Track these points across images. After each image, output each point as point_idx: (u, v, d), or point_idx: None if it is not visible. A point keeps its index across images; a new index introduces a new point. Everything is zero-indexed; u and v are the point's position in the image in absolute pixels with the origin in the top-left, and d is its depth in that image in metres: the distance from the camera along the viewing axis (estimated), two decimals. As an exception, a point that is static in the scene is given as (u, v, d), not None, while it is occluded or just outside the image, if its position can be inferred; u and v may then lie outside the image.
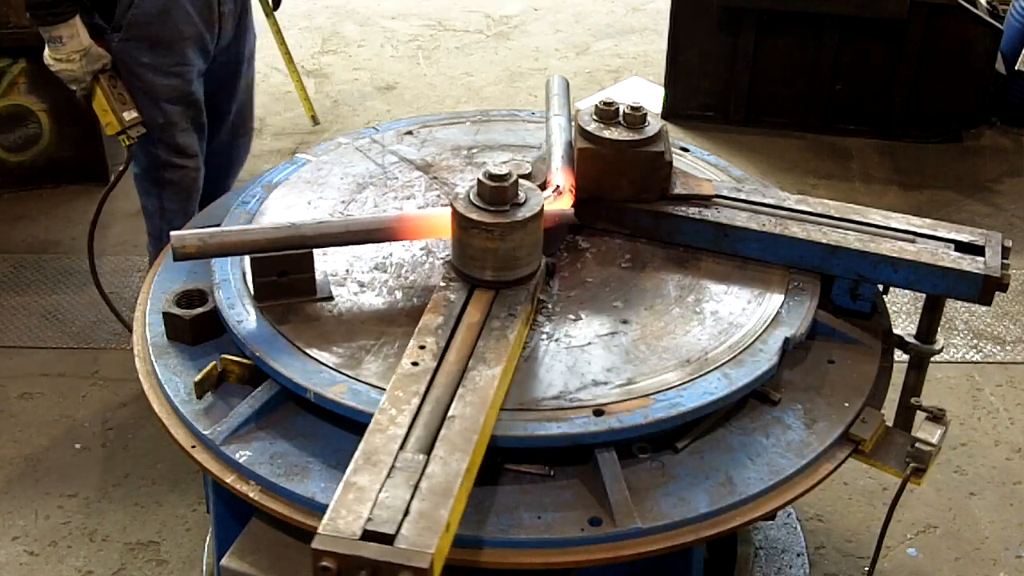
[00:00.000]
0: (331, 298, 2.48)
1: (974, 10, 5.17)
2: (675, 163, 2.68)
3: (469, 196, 2.30)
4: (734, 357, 2.31)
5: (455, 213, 2.30)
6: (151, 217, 3.74)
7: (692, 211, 2.62)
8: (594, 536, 2.05)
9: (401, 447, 1.95)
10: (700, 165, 2.96)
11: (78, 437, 3.67)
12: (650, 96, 5.81)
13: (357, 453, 1.93)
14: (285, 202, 2.82)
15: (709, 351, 2.32)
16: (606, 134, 2.59)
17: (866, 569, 3.23)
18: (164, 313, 2.46)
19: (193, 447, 2.26)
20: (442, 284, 2.37)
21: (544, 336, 2.37)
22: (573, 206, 2.60)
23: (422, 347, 2.20)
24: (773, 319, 2.42)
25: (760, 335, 2.37)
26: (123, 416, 3.74)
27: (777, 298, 2.48)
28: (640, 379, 2.24)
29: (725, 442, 2.25)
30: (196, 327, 2.44)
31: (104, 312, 4.08)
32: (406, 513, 1.81)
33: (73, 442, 3.65)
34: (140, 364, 2.45)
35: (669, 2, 5.47)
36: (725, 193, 2.69)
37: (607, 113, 2.62)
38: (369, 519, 1.79)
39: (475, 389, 2.10)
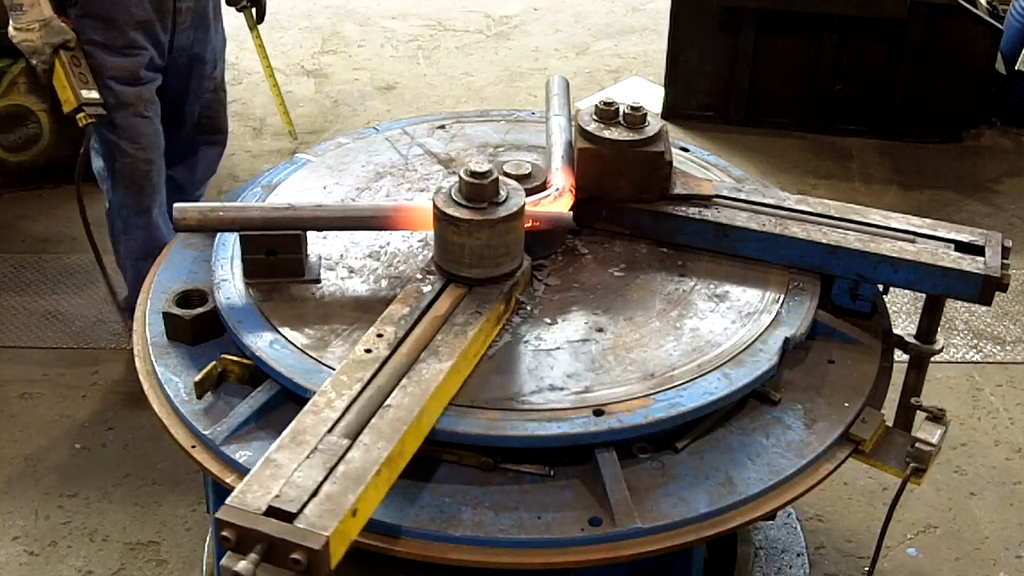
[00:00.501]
0: (318, 281, 2.51)
1: (974, 10, 5.17)
2: (675, 163, 2.68)
3: (451, 191, 2.33)
4: (703, 375, 2.26)
5: (434, 207, 2.33)
6: (108, 213, 3.73)
7: (692, 211, 2.62)
8: (594, 536, 2.05)
9: (330, 430, 1.98)
10: (700, 165, 2.96)
11: (78, 437, 3.67)
12: (650, 96, 5.81)
13: (286, 431, 1.98)
14: (304, 184, 2.87)
15: (677, 367, 2.28)
16: (606, 134, 2.60)
17: (866, 569, 3.23)
18: (164, 313, 2.46)
19: (193, 447, 2.26)
20: (419, 276, 2.40)
21: (514, 337, 2.37)
22: (573, 207, 2.60)
23: (380, 335, 2.23)
24: (773, 319, 2.42)
25: (751, 344, 2.37)
26: (123, 416, 3.74)
27: (766, 317, 2.42)
28: (598, 388, 2.22)
29: (725, 442, 2.25)
30: (196, 327, 2.44)
31: (104, 312, 4.09)
32: (315, 494, 1.83)
33: (73, 442, 3.65)
34: (140, 364, 2.45)
35: (669, 2, 5.47)
36: (725, 193, 2.69)
37: (607, 113, 2.62)
38: (277, 496, 1.82)
39: (419, 381, 2.12)
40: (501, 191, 2.33)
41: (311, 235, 2.54)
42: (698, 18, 5.42)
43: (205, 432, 2.24)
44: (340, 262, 2.58)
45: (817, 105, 5.47)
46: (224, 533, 1.78)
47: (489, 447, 2.15)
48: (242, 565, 1.73)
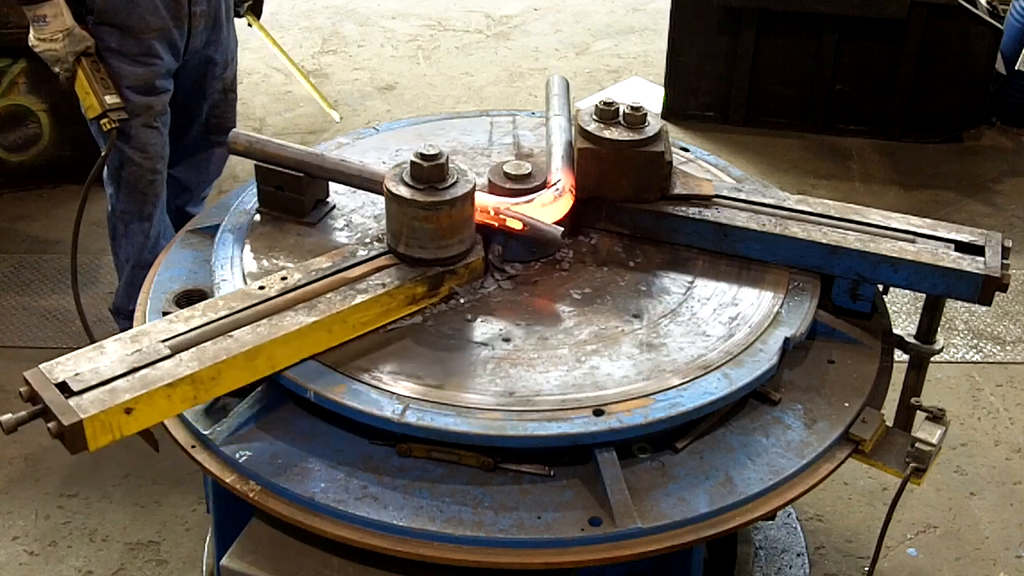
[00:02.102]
0: (313, 224, 2.67)
1: (974, 10, 5.16)
2: (675, 163, 2.68)
3: (403, 170, 2.42)
4: (604, 404, 2.16)
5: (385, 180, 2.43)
6: (109, 216, 3.74)
7: (692, 211, 2.62)
8: (594, 536, 2.05)
9: (166, 340, 2.15)
10: (700, 165, 2.96)
11: (78, 437, 3.66)
12: (650, 96, 5.81)
13: (136, 328, 2.20)
14: (384, 143, 2.97)
15: (542, 395, 2.21)
16: (606, 134, 2.60)
17: (866, 569, 3.23)
18: (164, 313, 2.46)
19: (193, 447, 2.26)
20: (366, 240, 2.47)
21: (424, 322, 2.39)
22: (573, 208, 2.60)
23: (284, 278, 2.34)
24: (773, 319, 2.42)
25: (756, 338, 2.37)
26: (123, 416, 3.74)
27: (676, 378, 2.26)
28: (450, 388, 2.22)
29: (725, 442, 2.25)
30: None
31: (104, 312, 4.08)
32: (104, 383, 2.03)
33: (73, 442, 3.64)
34: (140, 364, 2.45)
35: (669, 2, 5.47)
36: (725, 193, 2.69)
37: (607, 113, 2.62)
38: (76, 375, 2.04)
39: (275, 325, 2.21)
40: (449, 178, 2.39)
41: (340, 186, 2.70)
42: (698, 18, 5.41)
43: (205, 432, 2.24)
44: (346, 215, 2.69)
45: (817, 105, 5.47)
46: (21, 388, 2.03)
47: (489, 447, 2.15)
48: (5, 417, 1.98)
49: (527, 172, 2.62)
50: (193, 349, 2.14)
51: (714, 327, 2.40)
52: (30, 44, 3.35)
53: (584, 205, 2.64)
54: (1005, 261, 2.46)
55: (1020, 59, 5.41)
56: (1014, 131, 5.59)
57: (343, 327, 2.28)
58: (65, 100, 3.51)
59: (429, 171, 2.37)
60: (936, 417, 2.33)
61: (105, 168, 3.61)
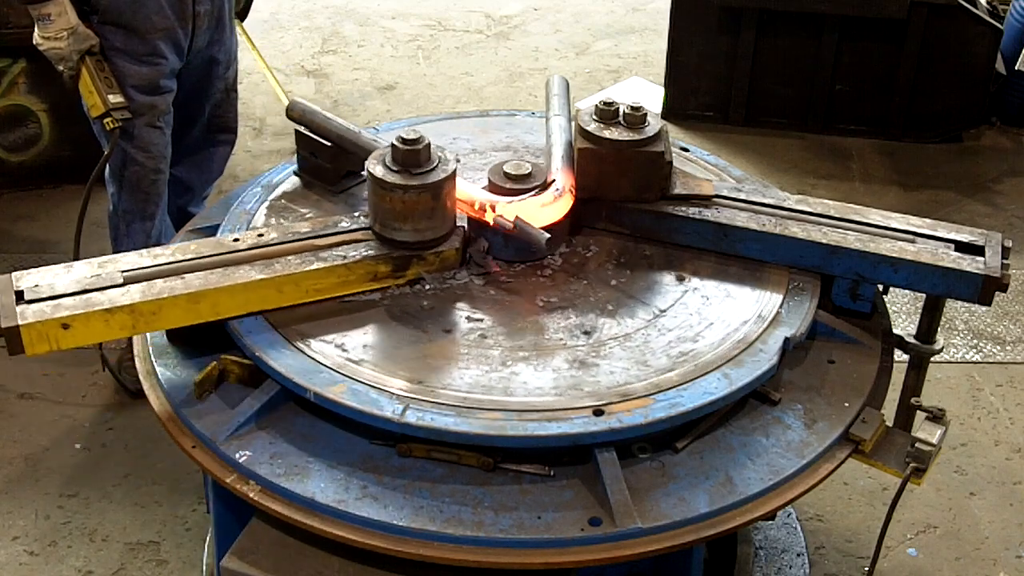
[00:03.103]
0: (337, 193, 2.81)
1: (974, 10, 5.16)
2: (675, 163, 2.68)
3: (387, 153, 2.48)
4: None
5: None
6: (111, 216, 3.74)
7: (692, 211, 2.62)
8: (594, 536, 2.05)
9: (126, 271, 2.32)
10: (700, 165, 2.96)
11: (78, 437, 3.67)
12: (650, 96, 5.80)
13: (110, 255, 2.38)
14: (440, 130, 3.04)
15: (447, 389, 2.22)
16: (606, 134, 2.60)
17: (866, 569, 3.23)
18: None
19: (193, 447, 2.26)
20: (355, 214, 2.57)
21: (381, 301, 2.45)
22: (572, 209, 2.60)
23: (260, 235, 2.46)
24: (773, 319, 2.42)
25: (757, 339, 2.37)
26: (123, 416, 3.74)
27: (590, 400, 2.21)
28: (366, 367, 2.28)
29: (725, 442, 2.25)
30: (196, 327, 2.43)
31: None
32: (53, 299, 2.23)
33: (73, 442, 3.65)
34: (140, 364, 2.46)
35: (669, 2, 5.47)
36: (725, 193, 2.69)
37: (607, 113, 2.62)
38: (35, 286, 2.27)
39: (227, 275, 2.32)
40: (425, 165, 2.43)
41: None
42: (698, 18, 5.41)
43: (205, 432, 2.24)
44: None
45: (817, 105, 5.46)
46: None
47: (489, 447, 2.15)
48: None
49: (527, 172, 2.62)
50: (144, 283, 2.27)
51: (658, 359, 2.33)
52: (34, 42, 3.35)
53: (584, 205, 2.64)
54: (1005, 261, 2.46)
55: (1020, 59, 5.41)
56: (1014, 131, 5.59)
57: (295, 290, 2.37)
58: (65, 100, 3.50)
59: (405, 155, 2.43)
60: (936, 417, 2.33)
61: (107, 167, 3.61)
